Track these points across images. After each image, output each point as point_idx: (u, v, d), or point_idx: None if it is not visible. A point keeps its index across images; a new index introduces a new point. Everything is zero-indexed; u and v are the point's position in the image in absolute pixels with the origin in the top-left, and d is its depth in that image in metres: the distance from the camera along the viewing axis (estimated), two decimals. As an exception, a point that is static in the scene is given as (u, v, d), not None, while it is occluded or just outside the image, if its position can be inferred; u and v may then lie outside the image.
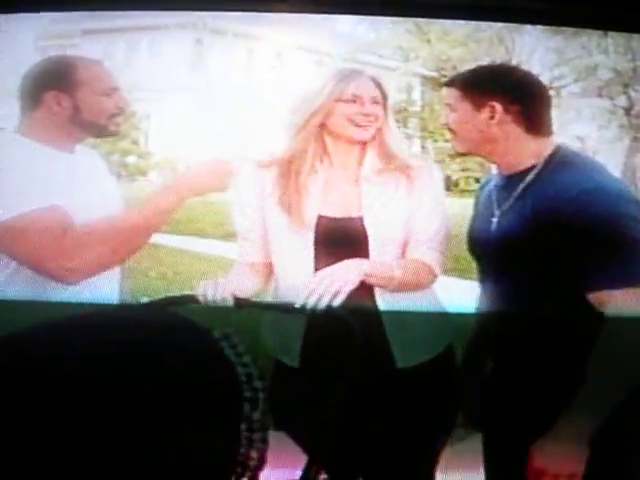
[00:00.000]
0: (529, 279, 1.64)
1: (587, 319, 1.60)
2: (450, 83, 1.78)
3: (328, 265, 1.79)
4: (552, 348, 1.67)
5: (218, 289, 1.77)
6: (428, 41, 3.20)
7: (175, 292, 1.89)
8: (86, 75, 1.87)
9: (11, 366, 0.87)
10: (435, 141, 3.13)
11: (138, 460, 0.86)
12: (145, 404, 0.86)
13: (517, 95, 1.74)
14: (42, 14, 2.02)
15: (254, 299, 1.84)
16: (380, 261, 1.82)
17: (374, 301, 1.83)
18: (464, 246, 1.92)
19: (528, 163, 1.73)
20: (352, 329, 1.67)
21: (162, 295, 1.84)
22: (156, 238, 1.99)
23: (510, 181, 1.73)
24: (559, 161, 1.70)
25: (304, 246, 1.82)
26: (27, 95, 1.90)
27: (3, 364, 0.84)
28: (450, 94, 1.76)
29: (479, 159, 2.25)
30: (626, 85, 3.11)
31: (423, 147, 3.20)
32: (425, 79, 3.25)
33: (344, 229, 1.86)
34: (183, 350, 0.95)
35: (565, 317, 1.64)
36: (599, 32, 2.77)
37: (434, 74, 3.28)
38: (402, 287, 1.83)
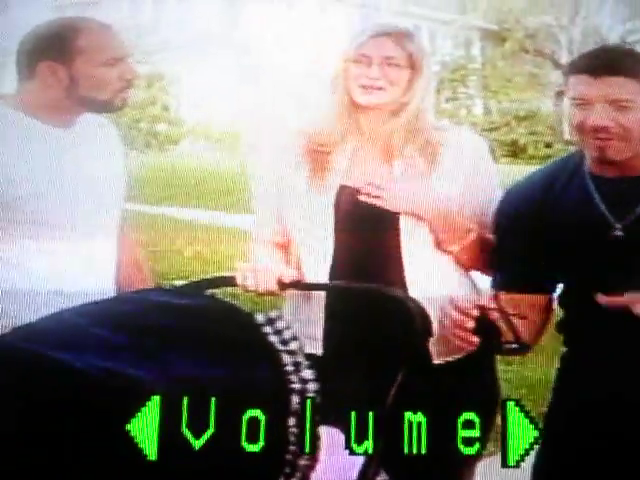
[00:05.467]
0: None
1: None
2: (612, 70, 1.70)
3: (347, 244, 1.78)
4: None
5: (259, 275, 1.76)
6: (487, -10, 3.16)
7: (212, 273, 1.88)
8: (86, 42, 1.84)
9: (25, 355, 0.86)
10: (499, 102, 3.07)
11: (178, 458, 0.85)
12: (174, 394, 0.84)
13: None
14: None
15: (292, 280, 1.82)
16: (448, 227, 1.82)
17: None
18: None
19: None
20: (412, 315, 1.63)
21: (198, 277, 1.83)
22: (186, 213, 1.98)
23: (628, 186, 1.68)
24: None
25: (322, 216, 1.81)
26: (22, 63, 1.88)
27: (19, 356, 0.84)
28: (621, 85, 1.68)
29: (549, 122, 2.17)
30: None
31: (485, 108, 3.15)
32: (485, 33, 3.20)
33: (370, 203, 1.84)
34: (222, 336, 0.93)
35: None
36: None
37: (495, 27, 3.22)
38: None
